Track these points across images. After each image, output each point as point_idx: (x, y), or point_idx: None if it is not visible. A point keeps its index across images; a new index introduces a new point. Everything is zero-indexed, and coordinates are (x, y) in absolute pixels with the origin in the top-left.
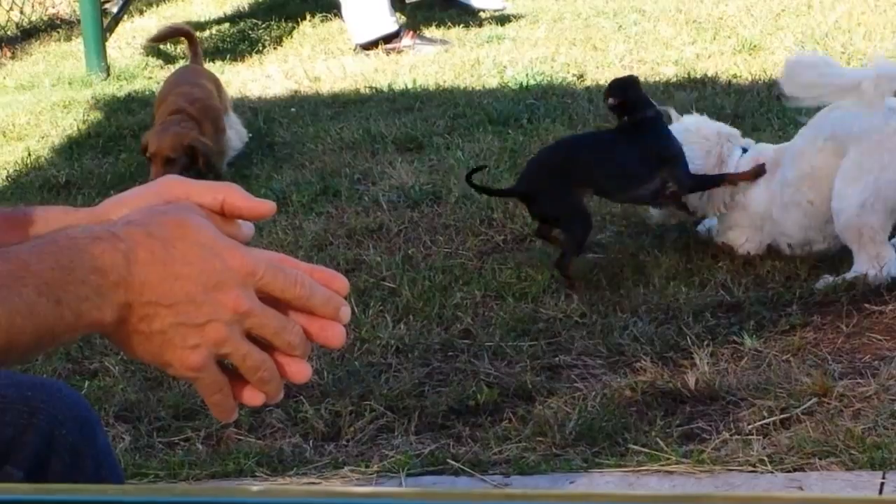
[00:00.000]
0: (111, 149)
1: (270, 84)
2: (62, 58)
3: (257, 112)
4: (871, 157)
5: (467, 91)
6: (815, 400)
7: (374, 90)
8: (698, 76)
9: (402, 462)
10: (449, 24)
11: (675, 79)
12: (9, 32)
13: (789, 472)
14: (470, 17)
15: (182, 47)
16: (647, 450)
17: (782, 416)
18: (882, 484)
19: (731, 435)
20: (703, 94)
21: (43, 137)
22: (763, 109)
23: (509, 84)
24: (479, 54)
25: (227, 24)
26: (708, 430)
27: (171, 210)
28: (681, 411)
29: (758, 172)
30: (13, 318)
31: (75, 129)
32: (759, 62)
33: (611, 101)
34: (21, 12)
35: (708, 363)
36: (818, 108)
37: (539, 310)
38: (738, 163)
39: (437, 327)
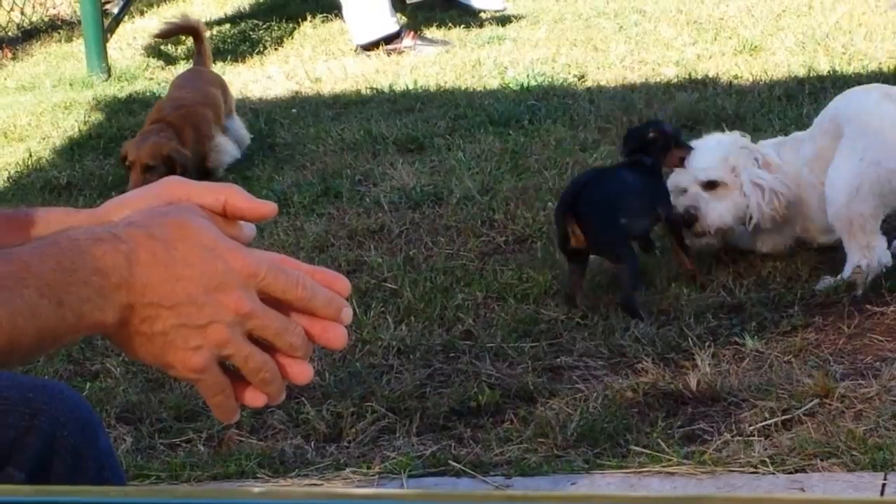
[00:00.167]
0: (112, 150)
1: (271, 85)
2: (63, 59)
3: (258, 113)
4: (859, 140)
5: (468, 92)
6: (816, 401)
7: (375, 91)
8: (699, 77)
9: (403, 463)
10: (450, 24)
11: (675, 80)
12: (9, 33)
13: (791, 473)
14: (471, 17)
15: (183, 48)
16: (648, 451)
17: (784, 417)
18: (883, 485)
19: (732, 436)
20: (703, 94)
21: (44, 138)
22: (764, 110)
23: (510, 85)
24: (480, 55)
25: (227, 25)
26: (709, 432)
27: (173, 211)
28: (682, 412)
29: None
30: (15, 320)
31: (76, 130)
32: (760, 63)
33: (651, 134)
34: (22, 13)
35: (709, 364)
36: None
37: (540, 311)
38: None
39: (438, 328)
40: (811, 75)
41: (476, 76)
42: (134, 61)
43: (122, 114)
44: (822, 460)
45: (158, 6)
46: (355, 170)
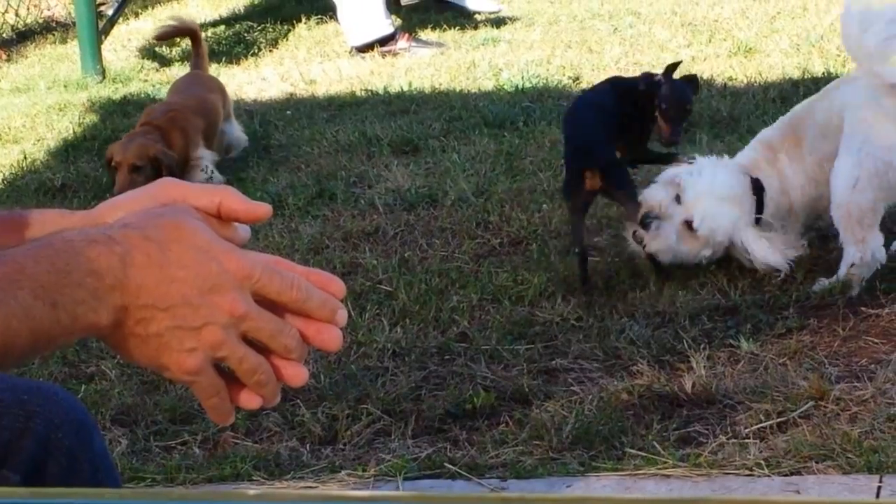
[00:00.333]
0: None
1: (266, 87)
2: (57, 60)
3: (253, 115)
4: (860, 130)
5: (463, 94)
6: (811, 403)
7: (369, 93)
8: None
9: (398, 466)
10: (444, 26)
11: None
12: (4, 35)
13: (786, 475)
14: (465, 19)
15: (178, 50)
16: (643, 453)
17: (779, 419)
18: (879, 487)
19: (727, 438)
20: (698, 96)
21: (38, 140)
22: (759, 112)
23: (505, 87)
24: (474, 57)
25: (222, 27)
26: (705, 434)
27: (168, 213)
28: (677, 415)
29: None
30: (9, 322)
31: (71, 131)
32: (755, 65)
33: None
34: (16, 14)
35: (704, 367)
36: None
37: (535, 313)
38: None
39: (433, 331)
40: (806, 77)
41: (471, 78)
42: (128, 63)
43: (117, 115)
44: (817, 463)
45: (153, 8)
46: (350, 171)
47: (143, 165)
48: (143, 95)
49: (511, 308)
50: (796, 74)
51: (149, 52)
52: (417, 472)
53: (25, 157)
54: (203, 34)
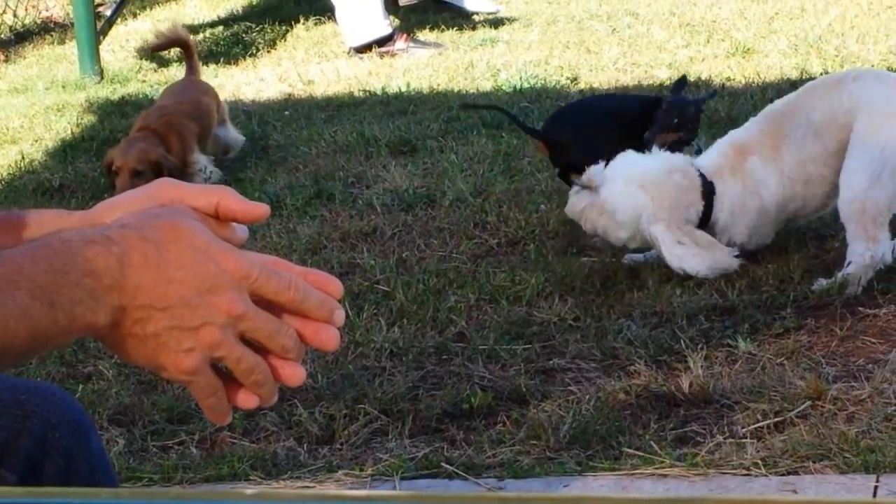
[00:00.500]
0: (105, 152)
1: (264, 87)
2: (56, 61)
3: (251, 115)
4: (882, 127)
5: (461, 94)
6: (808, 403)
7: (367, 93)
8: (692, 79)
9: (396, 465)
10: (442, 27)
11: (668, 82)
12: (2, 35)
13: (783, 475)
14: (463, 20)
15: (175, 51)
16: (640, 453)
17: (776, 419)
18: (876, 487)
19: (724, 438)
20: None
21: (36, 141)
22: (756, 112)
23: (503, 87)
24: (472, 57)
25: (220, 28)
26: (702, 434)
27: (165, 213)
28: (675, 414)
29: None
30: (6, 322)
31: (69, 132)
32: (753, 65)
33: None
34: (14, 15)
35: (702, 366)
36: None
37: (533, 313)
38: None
39: (431, 331)
40: (804, 78)
41: (469, 78)
42: (126, 64)
43: (115, 116)
44: (814, 462)
45: (151, 8)
46: (348, 172)
47: (144, 170)
48: (141, 96)
49: (508, 308)
50: (794, 75)
51: (147, 53)
52: (414, 472)
53: (23, 158)
54: (200, 34)
